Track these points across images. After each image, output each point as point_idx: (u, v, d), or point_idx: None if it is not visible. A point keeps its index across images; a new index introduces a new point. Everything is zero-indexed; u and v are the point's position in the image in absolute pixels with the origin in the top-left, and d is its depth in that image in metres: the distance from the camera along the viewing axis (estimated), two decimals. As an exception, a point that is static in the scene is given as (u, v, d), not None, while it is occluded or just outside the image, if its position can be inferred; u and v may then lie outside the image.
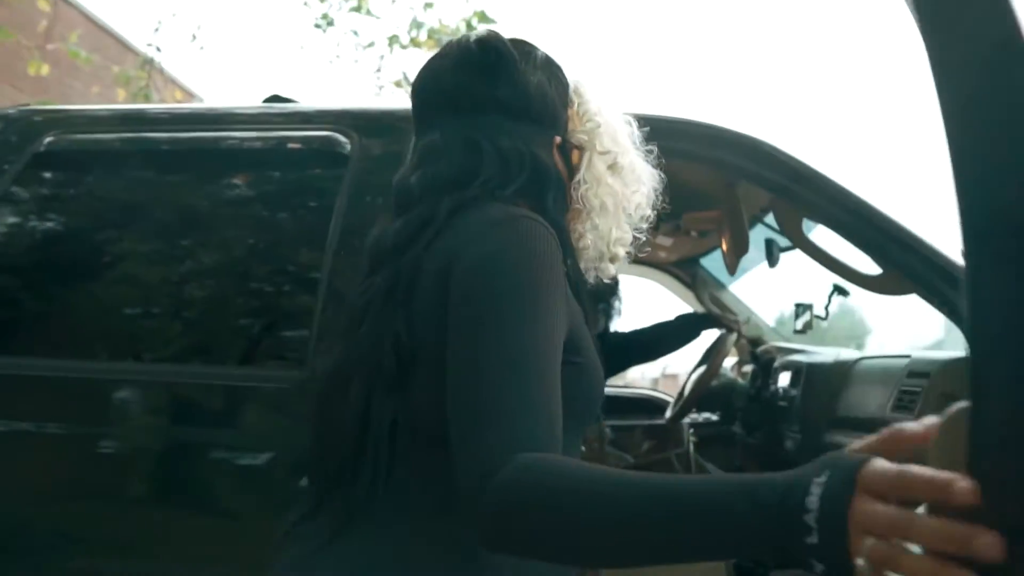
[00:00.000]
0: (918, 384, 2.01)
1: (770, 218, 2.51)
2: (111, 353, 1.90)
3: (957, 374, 1.90)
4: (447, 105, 1.09)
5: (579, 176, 1.13)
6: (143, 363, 1.88)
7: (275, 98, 2.23)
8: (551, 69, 1.15)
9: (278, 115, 2.04)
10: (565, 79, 1.17)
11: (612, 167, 1.14)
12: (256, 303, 1.92)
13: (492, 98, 1.09)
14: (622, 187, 1.14)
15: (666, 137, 1.78)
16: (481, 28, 1.21)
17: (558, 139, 1.13)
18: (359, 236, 1.77)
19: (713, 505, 0.66)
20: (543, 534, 0.75)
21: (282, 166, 1.99)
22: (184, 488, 1.72)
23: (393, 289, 0.98)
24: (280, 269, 1.94)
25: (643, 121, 1.24)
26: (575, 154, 1.14)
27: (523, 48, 1.15)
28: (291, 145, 1.95)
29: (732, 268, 2.59)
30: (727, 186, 2.24)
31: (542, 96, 1.11)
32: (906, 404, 2.02)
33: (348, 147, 1.90)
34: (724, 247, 2.51)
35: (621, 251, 1.15)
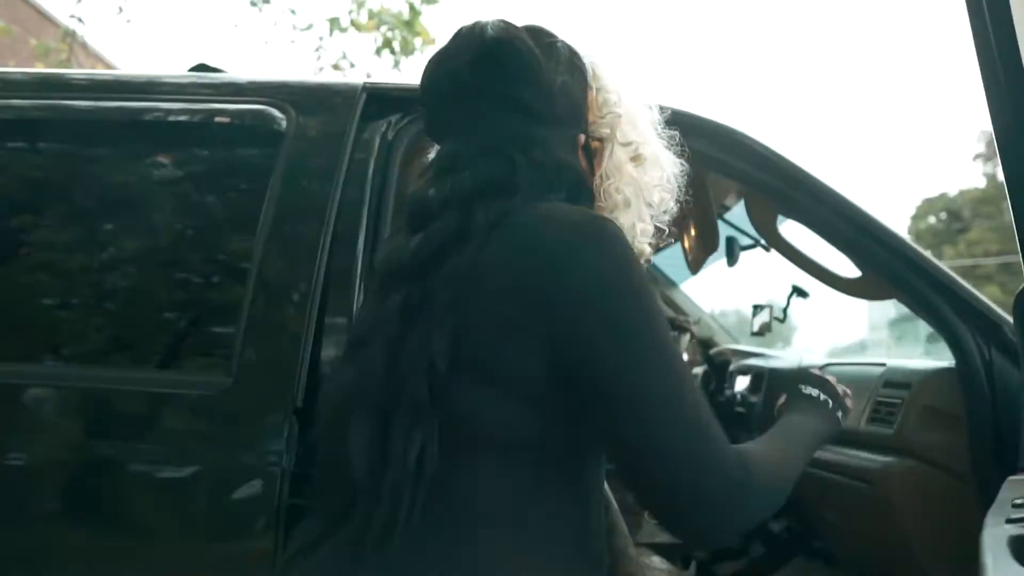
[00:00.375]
0: (897, 395, 1.90)
1: (734, 214, 2.38)
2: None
3: (941, 386, 1.80)
4: (466, 108, 1.04)
5: (601, 170, 1.08)
6: (45, 364, 1.63)
7: (202, 67, 2.00)
8: (572, 62, 1.09)
9: (207, 86, 1.81)
10: (584, 67, 1.11)
11: (634, 158, 1.09)
12: (176, 297, 1.70)
13: (516, 101, 1.03)
14: (644, 178, 1.09)
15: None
16: (488, 18, 1.07)
17: (582, 138, 1.09)
18: (294, 222, 1.58)
19: (814, 433, 1.14)
20: (780, 483, 1.00)
21: (210, 142, 1.76)
22: (96, 506, 1.49)
23: (416, 310, 0.93)
24: (204, 258, 1.71)
25: None
26: (595, 145, 1.10)
27: (543, 41, 1.08)
28: (220, 119, 1.72)
29: (696, 266, 2.45)
30: (695, 178, 2.09)
31: (567, 96, 1.07)
32: (883, 416, 1.91)
33: (284, 124, 1.69)
34: (687, 244, 2.36)
35: (646, 244, 1.11)
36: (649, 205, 1.10)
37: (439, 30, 8.26)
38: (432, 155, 1.11)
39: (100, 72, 2.04)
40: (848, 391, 1.25)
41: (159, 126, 1.72)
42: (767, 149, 1.77)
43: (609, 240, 0.93)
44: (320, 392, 1.10)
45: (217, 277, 1.70)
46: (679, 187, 1.15)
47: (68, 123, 1.73)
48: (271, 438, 1.42)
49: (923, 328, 1.75)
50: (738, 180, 1.90)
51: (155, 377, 1.57)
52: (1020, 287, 1.37)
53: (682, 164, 1.16)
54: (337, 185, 1.61)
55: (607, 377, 0.88)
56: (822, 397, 1.18)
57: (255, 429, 1.46)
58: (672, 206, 1.15)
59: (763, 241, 2.22)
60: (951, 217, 26.42)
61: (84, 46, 8.09)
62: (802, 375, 1.23)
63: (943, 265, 1.75)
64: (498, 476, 0.92)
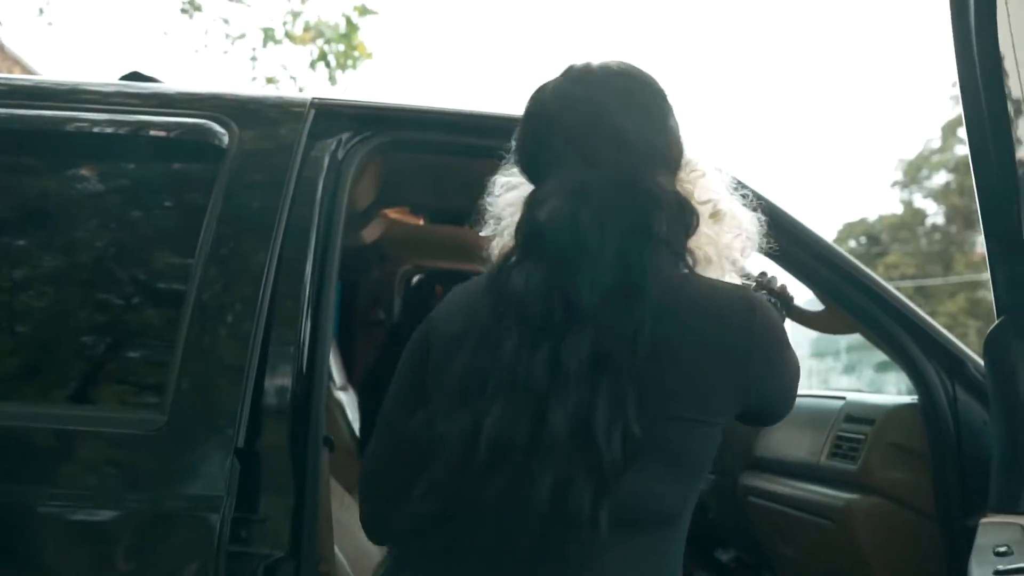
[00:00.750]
0: (860, 431, 1.87)
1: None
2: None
3: (905, 422, 1.77)
4: (604, 143, 1.03)
5: None
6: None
7: (135, 75, 1.87)
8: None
9: (140, 96, 1.68)
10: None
11: (713, 215, 1.10)
12: (102, 323, 1.55)
13: (651, 143, 1.05)
14: (724, 236, 1.11)
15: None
16: (608, 58, 1.11)
17: None
18: (236, 244, 1.46)
19: None
20: None
21: (142, 157, 1.62)
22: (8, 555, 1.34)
23: (607, 360, 0.92)
24: (134, 281, 1.57)
25: None
26: None
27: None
28: (154, 132, 1.59)
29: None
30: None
31: (680, 144, 1.10)
32: (845, 451, 1.88)
33: (225, 139, 1.57)
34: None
35: None
36: (733, 263, 1.12)
37: (376, 44, 8.14)
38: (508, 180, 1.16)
39: (19, 77, 1.87)
40: (785, 285, 1.40)
41: (83, 137, 1.58)
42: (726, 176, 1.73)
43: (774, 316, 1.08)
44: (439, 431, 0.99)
45: (150, 302, 1.57)
46: (758, 243, 1.18)
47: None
48: (209, 481, 1.30)
49: (875, 357, 1.73)
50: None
51: (76, 414, 1.42)
52: (991, 327, 1.35)
53: (760, 219, 1.17)
54: (284, 205, 1.50)
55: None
56: (777, 302, 1.32)
57: (191, 471, 1.34)
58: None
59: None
60: (870, 241, 27.28)
61: (1, 48, 7.70)
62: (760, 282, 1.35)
63: (907, 300, 1.73)
64: (649, 553, 0.99)
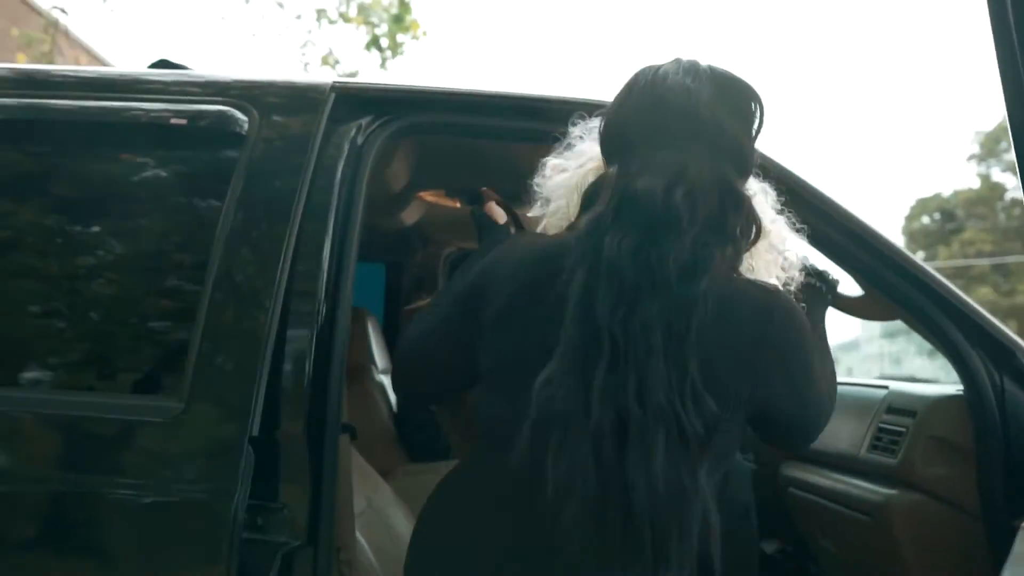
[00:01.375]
0: (901, 423, 1.78)
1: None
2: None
3: (949, 415, 1.68)
4: (706, 135, 1.10)
5: None
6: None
7: (163, 63, 1.87)
8: None
9: (163, 83, 1.68)
10: None
11: (763, 234, 1.17)
12: (124, 313, 1.56)
13: (743, 149, 1.14)
14: (767, 254, 1.19)
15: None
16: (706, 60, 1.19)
17: None
18: (256, 229, 1.46)
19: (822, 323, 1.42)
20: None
21: (165, 144, 1.62)
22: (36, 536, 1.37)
23: (675, 332, 1.00)
24: (157, 270, 1.58)
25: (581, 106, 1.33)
26: None
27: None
28: (175, 120, 1.59)
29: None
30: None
31: (756, 156, 1.18)
32: (885, 444, 1.79)
33: (246, 125, 1.56)
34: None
35: None
36: (776, 278, 1.21)
37: (429, 23, 8.13)
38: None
39: (40, 68, 1.89)
40: (828, 272, 1.51)
41: (108, 126, 1.59)
42: (763, 157, 1.65)
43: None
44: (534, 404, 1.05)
45: (168, 290, 1.57)
46: (800, 261, 1.29)
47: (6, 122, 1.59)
48: (222, 469, 1.31)
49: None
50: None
51: (96, 401, 1.44)
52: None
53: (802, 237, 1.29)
54: (302, 191, 1.49)
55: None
56: (819, 285, 1.46)
57: (205, 458, 1.35)
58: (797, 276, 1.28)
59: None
60: (945, 217, 26.38)
61: (67, 35, 7.91)
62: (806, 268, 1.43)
63: (952, 285, 1.63)
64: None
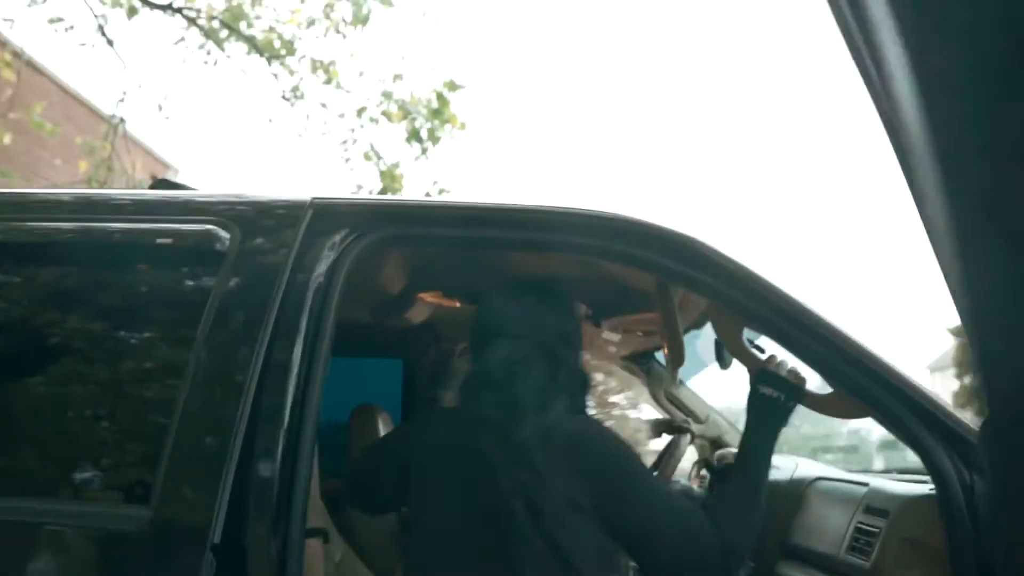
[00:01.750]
0: (876, 524, 1.75)
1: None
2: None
3: (921, 515, 1.65)
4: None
5: None
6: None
7: (163, 183, 2.01)
8: None
9: (154, 204, 1.80)
10: None
11: None
12: (98, 421, 1.65)
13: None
14: None
15: (584, 233, 1.56)
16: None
17: None
18: (224, 345, 1.53)
19: (772, 439, 1.66)
20: (753, 526, 1.59)
21: (151, 264, 1.73)
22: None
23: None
24: (135, 380, 1.67)
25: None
26: None
27: None
28: (161, 240, 1.70)
29: (672, 379, 2.35)
30: (659, 289, 2.01)
31: None
32: (861, 546, 1.76)
33: (227, 243, 1.65)
34: (664, 353, 2.27)
35: None
36: None
37: (466, 115, 8.38)
38: None
39: (34, 191, 2.04)
40: (804, 377, 1.67)
41: (100, 248, 1.70)
42: (729, 261, 1.69)
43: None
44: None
45: (144, 401, 1.65)
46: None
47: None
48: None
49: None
50: (700, 293, 1.81)
51: (59, 509, 1.51)
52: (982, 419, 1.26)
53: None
54: (273, 305, 1.56)
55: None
56: (780, 396, 1.65)
57: (170, 567, 1.40)
58: None
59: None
60: None
61: (126, 139, 8.35)
62: (763, 375, 1.69)
63: (920, 383, 1.62)
64: None
